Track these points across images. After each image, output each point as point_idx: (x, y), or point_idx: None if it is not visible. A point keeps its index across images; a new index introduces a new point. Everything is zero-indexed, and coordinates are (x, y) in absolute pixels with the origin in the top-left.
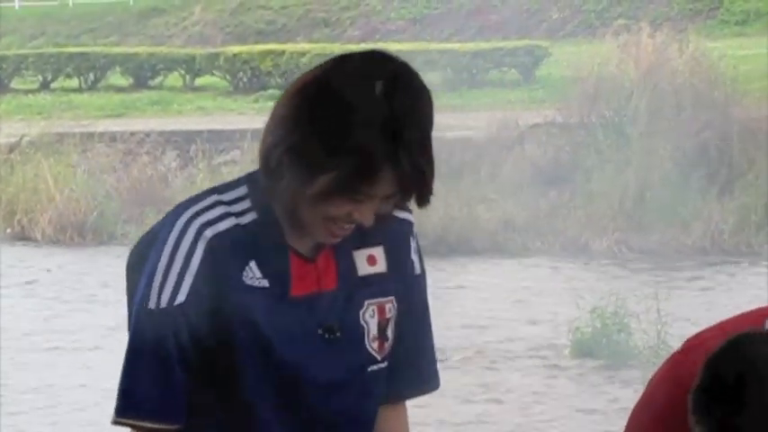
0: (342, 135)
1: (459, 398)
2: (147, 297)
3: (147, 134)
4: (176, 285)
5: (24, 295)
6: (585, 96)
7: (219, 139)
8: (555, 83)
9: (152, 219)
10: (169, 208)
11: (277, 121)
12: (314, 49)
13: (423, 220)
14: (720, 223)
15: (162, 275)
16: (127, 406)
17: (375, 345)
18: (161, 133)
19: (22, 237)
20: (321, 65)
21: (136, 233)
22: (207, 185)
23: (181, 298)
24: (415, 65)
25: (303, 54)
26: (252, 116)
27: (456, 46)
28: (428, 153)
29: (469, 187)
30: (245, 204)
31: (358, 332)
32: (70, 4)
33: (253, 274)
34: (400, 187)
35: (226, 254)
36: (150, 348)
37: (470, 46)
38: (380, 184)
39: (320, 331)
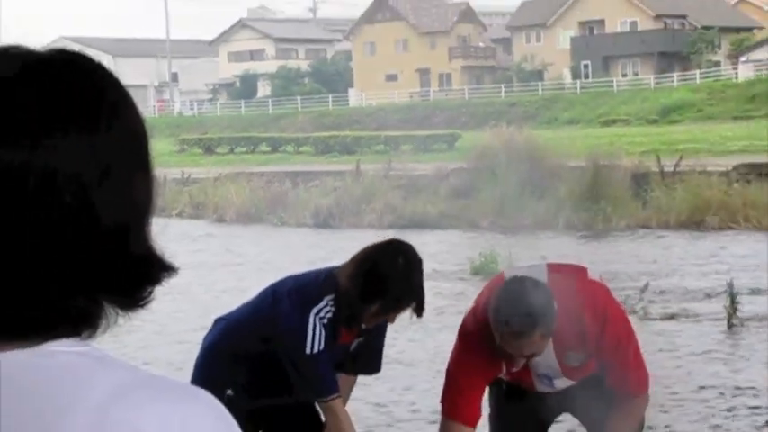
0: (385, 288)
1: None
2: (302, 347)
3: (277, 173)
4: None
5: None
6: (479, 156)
7: (309, 176)
8: (464, 150)
9: (280, 212)
10: (288, 210)
11: (350, 277)
12: (351, 135)
13: (402, 211)
14: (540, 215)
15: (311, 337)
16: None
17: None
18: (286, 173)
19: (219, 220)
20: (369, 247)
21: (272, 218)
22: (305, 198)
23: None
24: (398, 140)
25: (346, 136)
26: (323, 164)
27: (417, 132)
28: (423, 292)
29: (423, 198)
30: (331, 303)
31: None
32: (243, 112)
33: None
34: (413, 308)
35: (330, 331)
36: (320, 362)
37: (425, 132)
38: (403, 309)
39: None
